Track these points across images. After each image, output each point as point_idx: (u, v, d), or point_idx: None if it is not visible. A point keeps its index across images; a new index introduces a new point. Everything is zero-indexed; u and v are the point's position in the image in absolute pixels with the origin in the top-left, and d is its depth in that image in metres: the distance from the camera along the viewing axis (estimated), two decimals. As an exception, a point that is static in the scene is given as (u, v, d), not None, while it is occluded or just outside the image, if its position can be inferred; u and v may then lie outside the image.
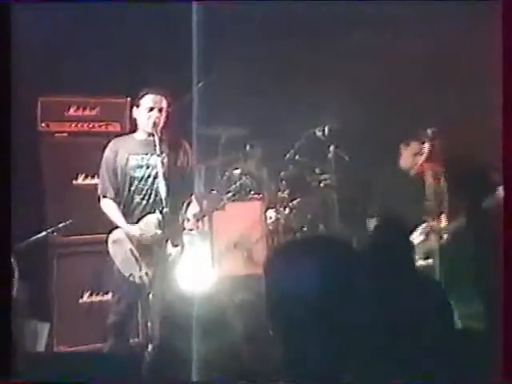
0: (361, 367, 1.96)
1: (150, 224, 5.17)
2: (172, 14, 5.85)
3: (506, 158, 2.85)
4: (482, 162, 6.19)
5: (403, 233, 4.19)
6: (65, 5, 5.77)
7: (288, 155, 6.83)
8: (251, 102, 6.50)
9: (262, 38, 6.72)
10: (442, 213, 6.07)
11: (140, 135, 5.36)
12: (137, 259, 5.18)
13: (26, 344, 5.56)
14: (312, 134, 6.76)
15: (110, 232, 5.26)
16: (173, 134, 5.40)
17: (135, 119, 5.37)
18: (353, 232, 6.24)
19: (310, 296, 1.87)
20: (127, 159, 5.28)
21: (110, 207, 5.28)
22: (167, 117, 5.28)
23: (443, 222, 6.02)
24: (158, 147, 5.13)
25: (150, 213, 5.20)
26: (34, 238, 5.61)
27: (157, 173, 5.13)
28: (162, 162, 5.11)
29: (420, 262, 5.80)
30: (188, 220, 5.26)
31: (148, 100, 5.25)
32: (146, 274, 5.16)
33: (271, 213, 6.70)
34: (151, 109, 5.23)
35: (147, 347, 5.00)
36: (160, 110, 5.24)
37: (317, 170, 6.88)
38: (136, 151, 5.29)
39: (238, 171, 6.65)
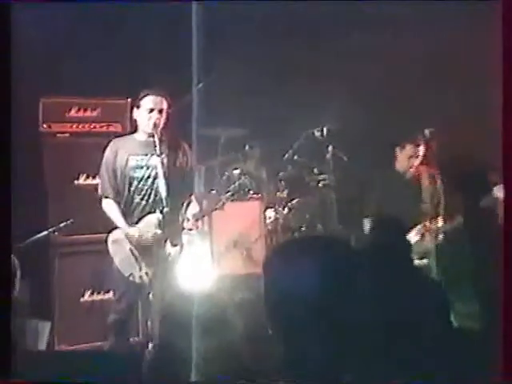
0: (360, 367, 1.95)
1: (149, 224, 5.15)
2: (172, 14, 5.81)
3: (506, 158, 2.81)
4: (477, 163, 6.18)
5: (400, 233, 4.17)
6: (65, 5, 5.74)
7: (287, 155, 6.80)
8: (250, 102, 6.48)
9: (261, 39, 6.69)
10: (437, 214, 6.06)
11: (140, 136, 5.33)
12: (136, 259, 5.15)
13: (28, 343, 5.56)
14: (310, 135, 6.73)
15: (110, 232, 5.23)
16: (172, 135, 5.38)
17: (135, 120, 5.35)
18: (351, 232, 6.21)
19: (309, 295, 1.86)
20: (127, 160, 5.25)
21: (110, 207, 5.26)
22: (167, 118, 5.25)
23: (439, 223, 6.01)
24: (158, 147, 5.10)
25: (149, 213, 5.18)
26: (36, 237, 5.57)
27: (156, 173, 5.11)
28: (162, 163, 5.09)
29: (415, 262, 5.79)
30: (188, 220, 5.23)
31: (148, 101, 5.23)
32: (146, 273, 5.13)
33: (270, 212, 6.68)
34: (151, 110, 5.21)
35: (147, 346, 4.98)
36: (160, 111, 5.21)
37: (315, 171, 6.85)
38: (136, 152, 5.27)
39: (237, 171, 6.62)
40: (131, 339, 5.75)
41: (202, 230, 5.96)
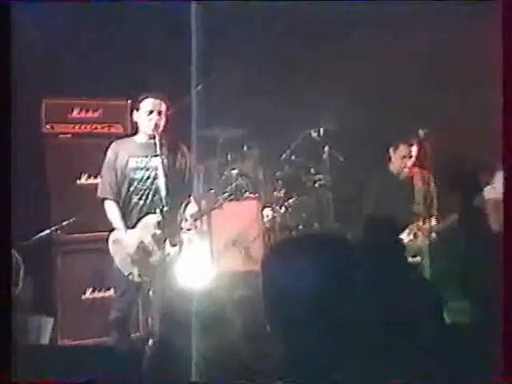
0: (358, 365, 1.92)
1: (148, 225, 5.12)
2: (171, 14, 5.77)
3: (506, 158, 2.75)
4: (470, 163, 6.14)
5: (393, 232, 4.14)
6: (65, 5, 5.70)
7: (284, 156, 6.76)
8: (248, 103, 6.45)
9: (260, 39, 6.64)
10: (430, 213, 6.04)
11: (140, 138, 5.30)
12: (136, 259, 5.10)
13: (31, 338, 5.60)
14: (307, 135, 6.71)
15: (111, 231, 5.20)
16: (172, 138, 5.34)
17: (136, 122, 5.32)
18: (347, 230, 6.17)
19: (306, 292, 1.84)
20: (127, 161, 5.22)
21: (110, 209, 5.23)
22: (167, 120, 5.22)
23: (431, 222, 5.99)
24: (158, 148, 5.07)
25: (148, 213, 5.15)
26: (39, 235, 5.58)
27: (156, 174, 5.08)
28: (162, 163, 5.04)
29: (409, 261, 5.77)
30: (186, 220, 5.19)
31: (148, 103, 5.20)
32: (145, 273, 5.08)
33: (268, 211, 6.64)
34: (151, 111, 5.18)
35: (148, 342, 4.95)
36: (159, 113, 5.19)
37: (312, 170, 6.81)
38: (136, 153, 5.24)
39: (235, 171, 6.59)
40: (132, 335, 5.70)
41: (202, 229, 5.93)
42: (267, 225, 6.57)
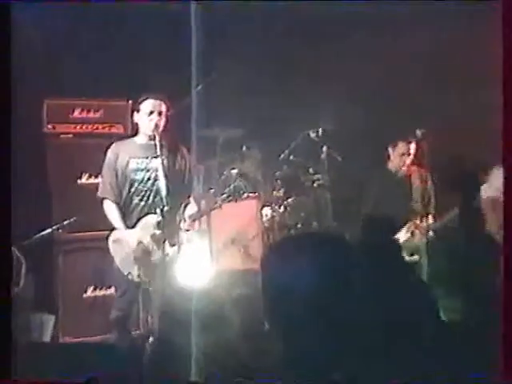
0: (357, 364, 1.92)
1: (148, 225, 5.11)
2: (171, 14, 5.75)
3: (506, 158, 2.73)
4: (467, 162, 6.12)
5: (391, 230, 4.13)
6: (65, 5, 5.68)
7: (283, 156, 6.74)
8: (248, 103, 6.41)
9: (260, 39, 6.60)
10: (427, 212, 6.02)
11: (141, 139, 5.28)
12: (135, 259, 5.09)
13: (33, 335, 5.59)
14: (306, 136, 6.69)
15: (111, 230, 5.20)
16: (172, 139, 5.32)
17: (136, 124, 5.30)
18: (345, 229, 6.15)
19: (305, 290, 1.85)
20: (127, 162, 5.21)
21: (109, 209, 5.22)
22: (167, 121, 5.21)
23: (429, 221, 5.97)
24: (158, 149, 5.05)
25: (148, 214, 5.14)
26: (40, 234, 5.57)
27: (156, 175, 5.07)
28: (163, 164, 5.02)
29: (406, 258, 5.76)
30: (185, 221, 5.18)
31: (148, 104, 5.18)
32: (144, 272, 5.07)
33: (267, 211, 6.62)
34: (151, 112, 5.17)
35: (148, 340, 4.94)
36: (160, 113, 5.17)
37: (310, 170, 6.78)
38: (136, 154, 5.22)
39: (235, 171, 6.57)
40: (133, 334, 5.68)
41: (201, 228, 5.91)
42: (266, 224, 6.54)
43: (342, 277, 1.88)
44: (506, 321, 2.19)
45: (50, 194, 5.95)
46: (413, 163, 6.13)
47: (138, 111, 5.23)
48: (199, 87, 5.31)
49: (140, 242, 5.09)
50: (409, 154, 6.05)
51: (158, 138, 5.07)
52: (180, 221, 5.15)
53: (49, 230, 5.60)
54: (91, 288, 5.99)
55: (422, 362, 1.89)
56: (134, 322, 5.72)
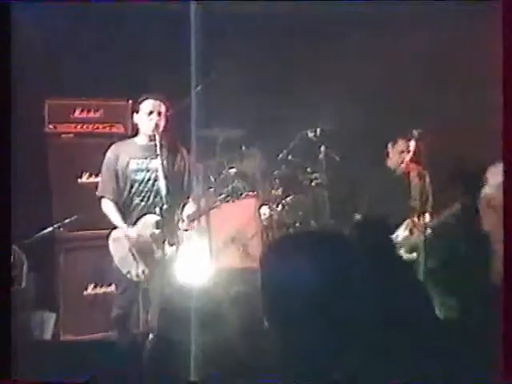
0: (356, 363, 1.89)
1: (147, 224, 5.10)
2: (171, 15, 5.73)
3: (506, 158, 2.70)
4: (465, 161, 6.10)
5: (389, 228, 4.10)
6: (65, 5, 5.66)
7: (281, 155, 6.70)
8: (247, 103, 6.42)
9: (259, 40, 6.59)
10: (425, 209, 6.00)
11: (141, 139, 5.26)
12: (135, 258, 5.08)
13: (34, 333, 5.57)
14: (304, 135, 6.64)
15: (112, 229, 5.19)
16: (171, 139, 5.30)
17: (136, 124, 5.28)
18: (343, 228, 6.13)
19: (304, 289, 1.83)
20: (128, 163, 5.19)
21: (108, 208, 5.21)
22: (167, 121, 5.18)
23: (427, 218, 5.94)
24: (158, 148, 5.03)
25: (148, 213, 5.12)
26: (42, 233, 5.57)
27: (156, 176, 5.06)
28: (162, 164, 5.01)
29: (405, 256, 5.74)
30: (183, 221, 5.16)
31: (147, 105, 5.16)
32: (143, 271, 5.07)
33: (265, 209, 6.58)
34: (151, 112, 5.14)
35: (148, 338, 4.92)
36: (159, 113, 5.15)
37: (308, 170, 6.74)
38: (136, 155, 5.20)
39: (233, 170, 6.54)
40: (133, 332, 5.66)
41: (201, 227, 5.90)
42: (265, 222, 6.50)
43: (341, 275, 1.86)
44: (506, 321, 2.17)
45: (51, 192, 5.96)
46: (412, 160, 6.11)
47: (137, 112, 5.20)
48: (198, 87, 5.29)
49: (139, 242, 5.08)
50: (408, 152, 6.02)
51: (158, 138, 5.05)
52: (179, 221, 5.13)
53: (50, 229, 5.61)
54: (92, 286, 5.99)
55: (421, 361, 1.87)
56: (135, 320, 5.70)
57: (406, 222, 5.93)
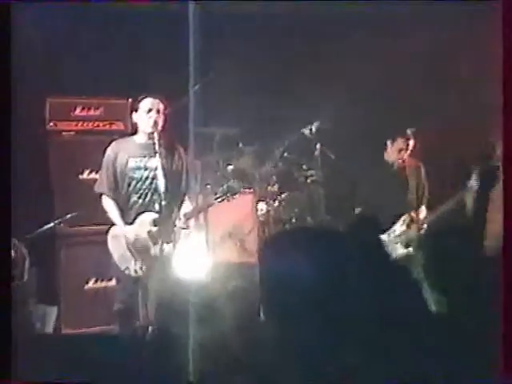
0: (353, 358, 1.88)
1: (145, 222, 5.07)
2: (170, 15, 5.70)
3: (506, 158, 2.66)
4: (462, 158, 6.07)
5: (386, 223, 4.08)
6: (65, 5, 5.62)
7: (278, 153, 6.69)
8: (244, 102, 6.39)
9: (257, 40, 6.56)
10: (422, 204, 5.97)
11: (140, 138, 5.21)
12: (132, 254, 5.06)
13: (36, 326, 5.52)
14: (300, 133, 6.62)
15: (111, 225, 5.17)
16: (169, 139, 5.25)
17: (135, 123, 5.23)
18: (338, 224, 6.10)
19: (301, 283, 1.83)
20: (127, 161, 5.14)
21: (107, 205, 5.18)
22: (165, 119, 5.13)
23: (424, 213, 5.91)
24: (157, 145, 4.98)
25: (145, 211, 5.09)
26: (43, 228, 5.54)
27: (154, 174, 5.03)
28: (160, 163, 4.97)
29: (401, 251, 5.70)
30: (180, 219, 5.12)
31: (146, 103, 5.11)
32: (141, 268, 5.04)
33: (262, 205, 6.58)
34: (150, 110, 5.09)
35: (147, 331, 4.89)
36: (158, 111, 5.10)
37: (304, 167, 6.74)
38: (135, 153, 5.16)
39: (231, 167, 6.55)
40: (134, 325, 5.64)
41: (199, 223, 5.89)
42: (261, 218, 6.50)
43: (337, 270, 1.86)
44: (506, 321, 2.14)
45: (52, 189, 5.93)
46: (410, 155, 6.07)
47: (136, 110, 5.16)
48: (196, 87, 5.25)
49: (137, 239, 5.06)
50: (406, 150, 5.97)
51: (156, 137, 5.00)
52: (176, 219, 5.10)
53: (51, 224, 5.58)
54: (92, 280, 5.96)
55: (419, 361, 1.83)
56: (135, 314, 5.68)
57: (403, 217, 5.88)
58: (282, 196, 6.66)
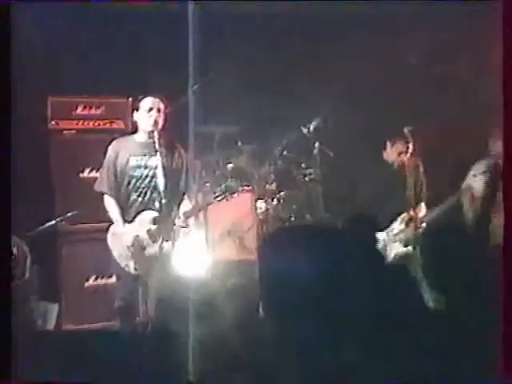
0: (352, 357, 1.87)
1: (145, 220, 5.07)
2: (170, 15, 5.68)
3: (506, 158, 2.64)
4: (461, 157, 6.05)
5: (384, 222, 4.05)
6: (65, 5, 5.60)
7: (277, 151, 6.67)
8: (244, 101, 6.37)
9: (256, 40, 6.52)
10: (420, 202, 5.94)
11: (140, 137, 5.20)
12: (132, 252, 5.06)
13: (37, 323, 5.51)
14: (299, 132, 6.60)
15: (110, 224, 5.17)
16: (169, 138, 5.24)
17: (136, 122, 5.23)
18: (336, 221, 6.08)
19: (300, 280, 1.83)
20: (127, 159, 5.14)
21: (108, 203, 5.18)
22: (165, 118, 5.13)
23: (422, 212, 5.88)
24: (157, 144, 4.97)
25: (145, 209, 5.09)
26: (44, 226, 5.53)
27: (154, 172, 5.02)
28: (160, 162, 4.96)
29: (400, 249, 5.68)
30: (179, 217, 5.12)
31: (147, 102, 5.11)
32: (141, 265, 5.03)
33: (261, 203, 6.55)
34: (150, 109, 5.09)
35: (147, 328, 4.88)
36: (159, 110, 5.09)
37: (303, 165, 6.71)
38: (136, 152, 5.15)
39: (230, 165, 6.52)
40: (135, 322, 5.64)
41: (198, 221, 5.87)
42: (260, 216, 6.47)
43: (336, 267, 1.86)
44: (506, 321, 2.12)
45: (53, 187, 5.92)
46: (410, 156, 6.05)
47: (137, 109, 5.15)
48: (196, 86, 5.24)
49: (137, 236, 5.05)
50: (406, 153, 5.93)
51: (156, 136, 5.00)
52: (175, 217, 5.09)
53: (52, 222, 5.56)
54: (93, 277, 5.96)
55: (420, 361, 1.82)
56: (135, 311, 5.68)
57: (401, 216, 5.85)
58: (281, 194, 6.62)
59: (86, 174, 5.96)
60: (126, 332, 5.12)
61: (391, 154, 5.99)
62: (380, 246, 5.44)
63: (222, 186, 5.96)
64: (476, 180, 5.78)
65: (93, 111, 6.07)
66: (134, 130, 5.31)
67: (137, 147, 5.16)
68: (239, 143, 6.64)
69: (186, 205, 5.19)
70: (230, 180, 6.35)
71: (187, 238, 5.45)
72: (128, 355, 3.44)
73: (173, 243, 5.05)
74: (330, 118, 6.34)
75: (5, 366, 2.73)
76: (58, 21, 5.77)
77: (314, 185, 6.63)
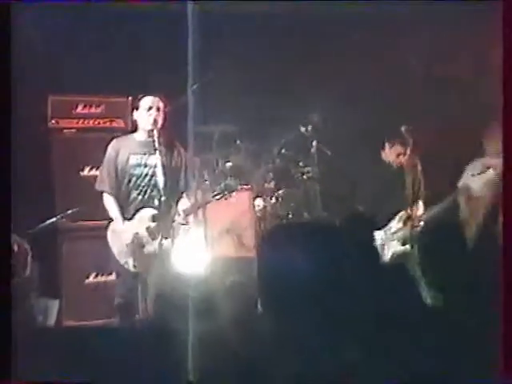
0: (351, 355, 1.85)
1: (144, 218, 5.07)
2: (169, 15, 5.66)
3: (506, 158, 2.62)
4: (459, 156, 6.04)
5: (381, 221, 4.03)
6: (65, 5, 5.59)
7: (275, 150, 6.66)
8: (242, 101, 6.36)
9: (255, 40, 6.51)
10: (418, 200, 5.92)
11: (140, 135, 5.20)
12: (132, 249, 5.05)
13: (38, 319, 5.51)
14: (297, 131, 6.59)
15: (109, 221, 5.17)
16: (169, 136, 5.25)
17: (135, 121, 5.22)
18: (334, 219, 6.06)
19: (298, 278, 1.82)
20: (128, 158, 5.14)
21: (107, 201, 5.18)
22: (165, 117, 5.13)
23: (419, 210, 5.87)
24: (157, 142, 4.97)
25: (144, 207, 5.09)
26: (45, 224, 5.53)
27: (154, 171, 5.02)
28: (160, 160, 4.96)
29: (398, 248, 5.67)
30: (179, 215, 5.11)
31: (147, 101, 5.11)
32: (140, 262, 5.03)
33: (259, 201, 6.55)
34: (150, 108, 5.09)
35: (147, 325, 4.86)
36: (158, 109, 5.10)
37: (301, 164, 6.69)
38: (136, 151, 5.15)
39: (229, 164, 6.51)
40: (133, 318, 5.63)
41: (197, 219, 5.86)
42: (258, 214, 6.47)
43: (334, 264, 1.85)
44: (505, 321, 2.10)
45: (54, 185, 5.94)
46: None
47: (137, 108, 5.15)
48: (195, 86, 5.23)
49: (136, 234, 5.05)
50: (404, 155, 5.91)
51: (156, 134, 4.99)
52: (175, 215, 5.08)
53: (53, 220, 5.57)
54: (93, 274, 5.96)
55: (419, 361, 1.80)
56: (135, 308, 5.67)
57: (399, 214, 5.84)
58: (279, 192, 6.62)
59: (86, 172, 5.96)
60: (125, 329, 5.11)
61: (389, 154, 5.97)
62: (378, 244, 5.42)
63: (221, 185, 5.95)
64: (474, 179, 5.78)
65: (93, 110, 6.08)
66: (134, 129, 5.30)
67: (137, 146, 5.15)
68: (238, 142, 6.64)
69: (185, 203, 5.18)
70: (228, 178, 6.33)
71: (186, 235, 5.44)
72: (128, 352, 3.43)
73: (172, 241, 5.04)
74: (328, 118, 6.33)
75: (5, 365, 2.71)
76: (57, 21, 5.76)
77: (311, 183, 6.62)
